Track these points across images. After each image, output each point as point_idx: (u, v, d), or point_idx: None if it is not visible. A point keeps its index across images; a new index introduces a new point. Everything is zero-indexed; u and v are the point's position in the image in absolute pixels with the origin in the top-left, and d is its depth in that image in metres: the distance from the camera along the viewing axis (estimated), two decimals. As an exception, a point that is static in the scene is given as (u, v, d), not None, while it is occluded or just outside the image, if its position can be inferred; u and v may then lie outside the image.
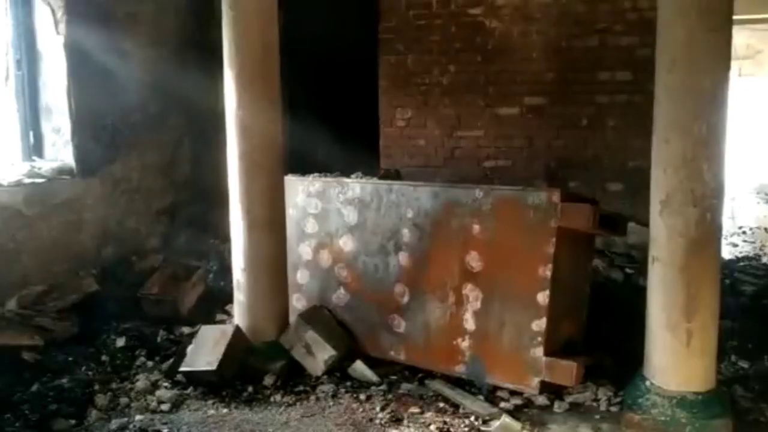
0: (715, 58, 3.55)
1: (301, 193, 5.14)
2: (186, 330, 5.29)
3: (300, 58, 7.16)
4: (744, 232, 9.31)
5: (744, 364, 4.59)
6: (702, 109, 3.57)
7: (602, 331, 4.79)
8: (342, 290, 4.91)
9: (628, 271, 6.25)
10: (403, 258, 4.62)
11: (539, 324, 4.04)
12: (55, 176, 5.85)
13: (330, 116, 7.75)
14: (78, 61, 5.88)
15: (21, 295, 5.34)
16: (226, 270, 5.67)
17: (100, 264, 6.12)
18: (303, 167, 5.46)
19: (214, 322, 5.43)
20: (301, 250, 5.13)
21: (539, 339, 4.04)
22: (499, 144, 6.93)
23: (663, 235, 3.73)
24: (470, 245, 4.32)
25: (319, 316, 4.82)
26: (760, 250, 8.37)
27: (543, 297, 4.03)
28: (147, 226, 6.78)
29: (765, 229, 9.77)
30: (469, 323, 4.31)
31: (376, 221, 4.75)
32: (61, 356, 4.86)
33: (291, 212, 5.10)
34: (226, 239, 5.79)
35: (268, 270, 4.66)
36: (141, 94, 6.56)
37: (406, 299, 4.59)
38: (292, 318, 4.94)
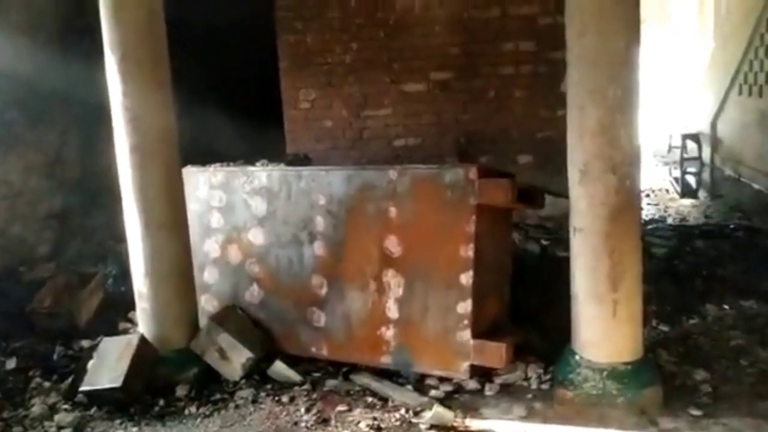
0: (626, 20, 3.46)
1: (203, 185, 4.78)
2: (86, 343, 4.84)
3: (193, 38, 6.72)
4: (647, 195, 9.58)
5: (665, 328, 4.62)
6: (616, 73, 3.48)
7: (524, 306, 4.70)
8: (255, 287, 4.60)
9: (543, 242, 6.22)
10: (318, 248, 4.35)
11: (464, 306, 3.88)
12: None
13: (231, 101, 7.35)
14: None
15: None
16: (126, 273, 5.21)
17: (-19, 278, 5.54)
18: (204, 157, 5.08)
19: (117, 333, 4.99)
20: (207, 248, 4.77)
21: (465, 322, 3.88)
22: (407, 122, 6.74)
23: (583, 205, 3.64)
24: (388, 229, 4.11)
25: (231, 317, 4.49)
26: (665, 212, 8.62)
27: (466, 278, 3.87)
28: (34, 233, 6.21)
29: (666, 190, 10.11)
30: (392, 311, 4.11)
31: (287, 211, 4.45)
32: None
33: (193, 207, 4.72)
34: (123, 240, 5.34)
35: (172, 272, 4.29)
36: (15, 87, 5.94)
37: (324, 291, 4.34)
38: (203, 322, 4.60)
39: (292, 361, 4.39)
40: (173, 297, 4.32)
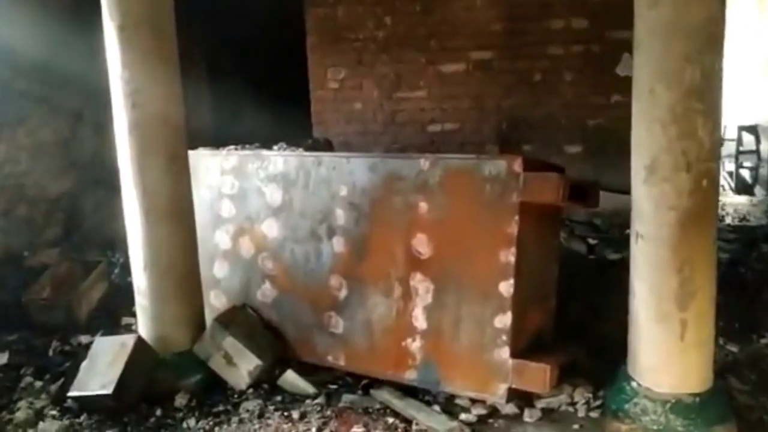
0: (711, -14, 2.87)
1: (214, 170, 4.31)
2: (84, 339, 4.45)
3: (212, 10, 6.26)
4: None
5: (733, 348, 4.02)
6: (696, 51, 2.89)
7: (568, 316, 4.16)
8: (268, 285, 4.13)
9: (591, 242, 5.65)
10: (338, 244, 3.86)
11: (503, 320, 3.35)
12: None
13: (254, 79, 6.89)
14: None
15: None
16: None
17: (-17, 262, 5.18)
18: (225, 140, 4.63)
19: (120, 328, 4.59)
20: (217, 238, 4.32)
21: (504, 338, 3.35)
22: (444, 105, 6.19)
23: (649, 207, 3.07)
24: (417, 227, 3.59)
25: (240, 317, 4.03)
26: (722, 209, 7.91)
27: (506, 287, 3.33)
28: (42, 216, 5.83)
29: (722, 186, 9.37)
30: (420, 320, 3.60)
31: (304, 201, 3.96)
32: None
33: (203, 194, 4.27)
34: None
35: (174, 266, 3.84)
36: (26, 57, 5.54)
37: (343, 294, 3.85)
38: (211, 320, 4.16)
39: (306, 370, 3.93)
40: (175, 294, 3.88)
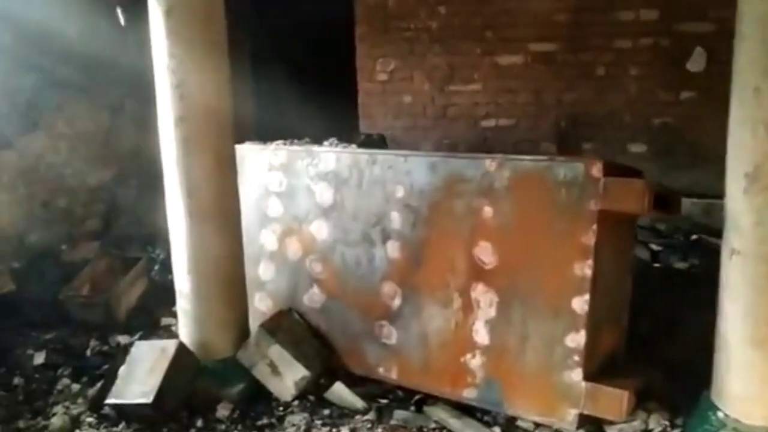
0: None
1: (261, 166, 4.07)
2: (123, 339, 4.27)
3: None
4: None
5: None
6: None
7: (639, 333, 3.83)
8: (316, 289, 3.89)
9: (654, 248, 5.28)
10: (392, 249, 3.59)
11: (576, 338, 3.05)
12: (-42, 151, 4.72)
13: (299, 70, 6.65)
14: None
15: None
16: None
17: (24, 255, 5.04)
18: (268, 133, 4.39)
19: (159, 329, 4.40)
20: (263, 239, 4.08)
21: (576, 358, 3.05)
22: (500, 100, 5.86)
23: (748, 221, 2.74)
24: (480, 234, 3.30)
25: (286, 324, 3.80)
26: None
27: (580, 303, 3.03)
28: (83, 207, 5.68)
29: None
30: (481, 335, 3.32)
31: (357, 202, 3.70)
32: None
33: (248, 191, 4.04)
34: None
35: (218, 269, 3.62)
36: (66, 44, 5.37)
37: (397, 302, 3.58)
38: (254, 325, 3.94)
39: (356, 382, 3.69)
40: (219, 297, 3.66)
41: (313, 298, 3.91)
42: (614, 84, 5.56)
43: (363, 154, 3.74)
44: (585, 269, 3.02)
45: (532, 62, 5.75)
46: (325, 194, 3.82)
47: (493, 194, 3.27)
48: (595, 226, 3.00)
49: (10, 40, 4.93)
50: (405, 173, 3.53)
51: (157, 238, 5.39)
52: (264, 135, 4.39)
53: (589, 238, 3.01)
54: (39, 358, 4.05)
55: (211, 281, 3.62)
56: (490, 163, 3.29)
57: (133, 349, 3.60)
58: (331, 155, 3.82)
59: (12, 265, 4.89)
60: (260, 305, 4.11)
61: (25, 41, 5.04)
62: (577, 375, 3.06)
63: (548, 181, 3.12)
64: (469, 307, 3.34)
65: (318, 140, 4.20)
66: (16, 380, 3.90)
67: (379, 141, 4.40)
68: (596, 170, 3.00)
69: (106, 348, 4.19)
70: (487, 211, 3.28)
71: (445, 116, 6.05)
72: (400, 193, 3.55)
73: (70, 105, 5.52)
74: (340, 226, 3.77)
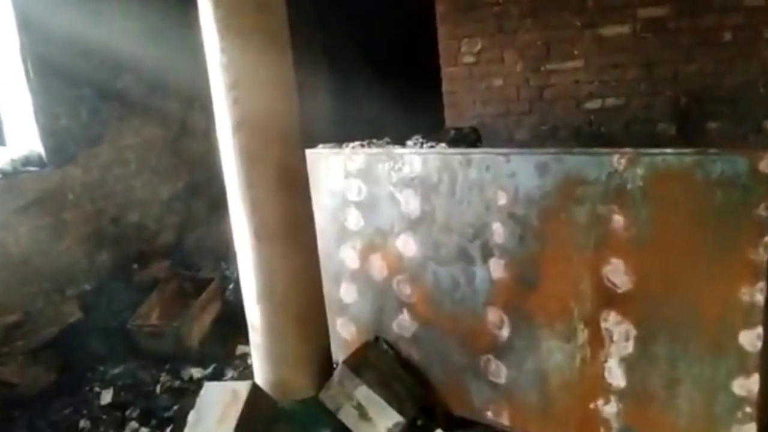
0: None
1: (337, 172, 3.54)
2: (196, 373, 3.85)
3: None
4: None
5: None
6: None
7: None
8: (405, 315, 3.33)
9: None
10: (496, 268, 2.98)
11: (746, 384, 2.36)
12: (19, 169, 4.42)
13: (375, 59, 6.08)
14: (30, 2, 4.37)
15: (-21, 335, 4.00)
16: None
17: (94, 276, 4.72)
18: (346, 134, 3.87)
19: (234, 359, 3.97)
20: (343, 255, 3.56)
21: (747, 410, 2.37)
22: (605, 77, 5.10)
23: None
24: (610, 249, 2.64)
25: (374, 358, 3.27)
26: None
27: (751, 337, 2.34)
28: (156, 220, 5.32)
29: None
30: (616, 376, 2.67)
31: (450, 212, 3.11)
32: (25, 423, 3.50)
33: (324, 201, 3.53)
34: None
35: (293, 297, 3.11)
36: (130, 46, 5.00)
37: (505, 333, 2.97)
38: (338, 354, 3.44)
39: (458, 424, 3.12)
40: (295, 329, 3.16)
41: (402, 324, 3.36)
42: (744, 51, 4.69)
43: (454, 155, 3.13)
44: (755, 294, 2.32)
45: (641, 31, 4.95)
46: (411, 203, 3.25)
47: (624, 199, 2.60)
48: (767, 239, 2.29)
49: (66, 51, 4.59)
50: (508, 176, 2.91)
51: (231, 253, 4.97)
52: (342, 136, 3.87)
53: (760, 254, 2.30)
54: (106, 397, 3.69)
55: (285, 311, 3.12)
56: (618, 160, 2.61)
57: (203, 392, 3.14)
58: (416, 157, 3.24)
59: (83, 287, 4.58)
60: (342, 331, 3.60)
61: (82, 51, 4.69)
62: (750, 430, 2.37)
63: (698, 180, 2.43)
64: (598, 341, 2.69)
65: (401, 138, 3.64)
66: (83, 422, 3.55)
67: (472, 136, 3.77)
68: (765, 165, 2.29)
69: (177, 383, 3.78)
70: (617, 220, 2.62)
71: (541, 99, 5.34)
72: (502, 200, 2.93)
73: (135, 113, 5.15)
74: (431, 240, 3.19)
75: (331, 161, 3.56)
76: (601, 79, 5.12)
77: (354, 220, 3.50)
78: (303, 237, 3.13)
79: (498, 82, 5.43)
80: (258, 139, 2.93)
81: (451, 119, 5.57)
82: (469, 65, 5.49)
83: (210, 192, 5.69)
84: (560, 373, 2.81)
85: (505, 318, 2.97)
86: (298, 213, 3.10)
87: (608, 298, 2.66)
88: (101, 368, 3.90)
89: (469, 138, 3.69)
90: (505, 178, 2.91)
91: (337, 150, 3.62)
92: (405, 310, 3.33)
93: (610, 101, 5.13)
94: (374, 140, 3.74)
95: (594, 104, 5.18)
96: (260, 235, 3.03)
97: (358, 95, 6.33)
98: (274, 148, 2.95)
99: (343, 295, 3.59)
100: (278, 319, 3.12)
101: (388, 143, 3.60)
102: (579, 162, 2.73)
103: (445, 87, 5.60)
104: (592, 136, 5.18)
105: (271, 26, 2.88)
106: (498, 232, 2.95)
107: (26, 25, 4.36)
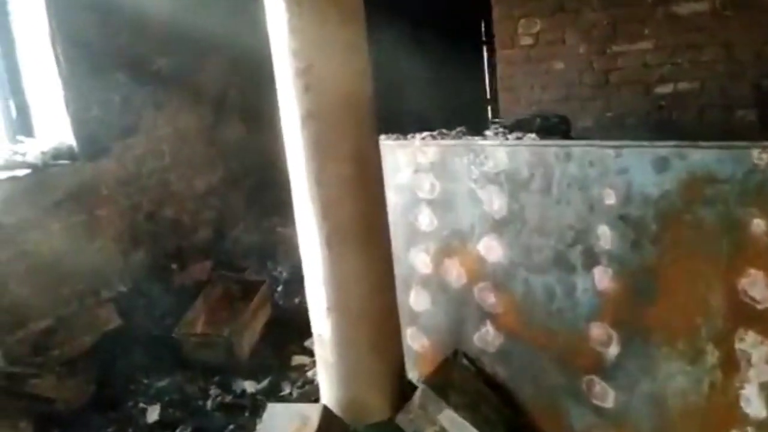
0: None
1: (405, 166, 3.18)
2: (249, 387, 3.52)
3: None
4: None
5: None
6: None
7: None
8: (489, 327, 2.98)
9: None
10: (602, 277, 2.62)
11: None
12: (49, 162, 4.09)
13: (420, 39, 5.69)
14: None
15: (10, 344, 3.69)
16: (300, 278, 3.85)
17: (128, 275, 4.40)
18: (389, 119, 3.49)
19: (290, 371, 3.63)
20: (413, 259, 3.21)
21: None
22: (678, 58, 4.71)
23: None
24: (748, 259, 2.27)
25: (456, 377, 2.92)
26: None
27: None
28: (191, 215, 4.99)
29: None
30: (754, 405, 2.31)
31: (544, 212, 2.74)
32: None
33: (391, 197, 3.16)
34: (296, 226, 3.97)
35: (370, 308, 2.77)
36: (161, 30, 4.65)
37: (613, 351, 2.62)
38: (410, 367, 3.10)
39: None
40: (370, 344, 2.82)
41: (485, 337, 3.00)
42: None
43: (550, 147, 2.76)
44: None
45: (720, 8, 4.55)
46: (496, 202, 2.89)
47: (766, 200, 2.22)
48: None
49: (96, 32, 4.24)
50: (618, 172, 2.53)
51: (277, 249, 4.64)
52: (389, 122, 3.49)
53: None
54: (153, 414, 3.36)
55: (360, 324, 2.78)
56: (759, 155, 2.23)
57: (266, 416, 2.81)
58: (502, 150, 2.87)
59: (118, 289, 4.27)
60: (413, 343, 3.26)
61: (113, 31, 4.34)
62: None
63: None
64: (732, 364, 2.33)
65: (477, 129, 3.27)
66: (127, 444, 3.23)
67: (561, 126, 3.39)
68: None
69: (229, 398, 3.44)
70: (758, 224, 2.24)
71: (607, 83, 4.95)
72: (610, 199, 2.56)
73: (170, 100, 4.81)
74: (521, 244, 2.83)
75: (398, 154, 3.19)
76: (673, 61, 4.72)
77: (426, 220, 3.14)
78: (380, 240, 2.78)
79: (559, 65, 5.04)
80: (332, 130, 2.57)
81: (506, 105, 5.20)
82: (526, 47, 5.11)
83: (248, 184, 5.36)
84: (683, 400, 2.45)
85: (614, 334, 2.60)
86: (375, 213, 2.75)
87: (745, 315, 2.29)
88: (145, 381, 3.57)
89: (558, 128, 3.32)
90: (614, 175, 2.54)
91: (403, 141, 3.26)
92: (488, 322, 2.98)
93: (683, 85, 4.73)
94: (443, 130, 3.38)
95: (665, 89, 4.79)
96: (331, 238, 2.68)
97: (400, 78, 5.95)
98: (349, 140, 2.60)
99: (414, 302, 3.25)
100: (352, 333, 2.78)
101: (463, 133, 3.24)
102: (708, 157, 2.35)
103: (500, 71, 5.22)
104: (662, 123, 4.80)
105: (347, 4, 2.51)
106: (605, 236, 2.59)
107: (55, 5, 4.01)
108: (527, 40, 5.09)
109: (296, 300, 4.05)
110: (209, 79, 5.12)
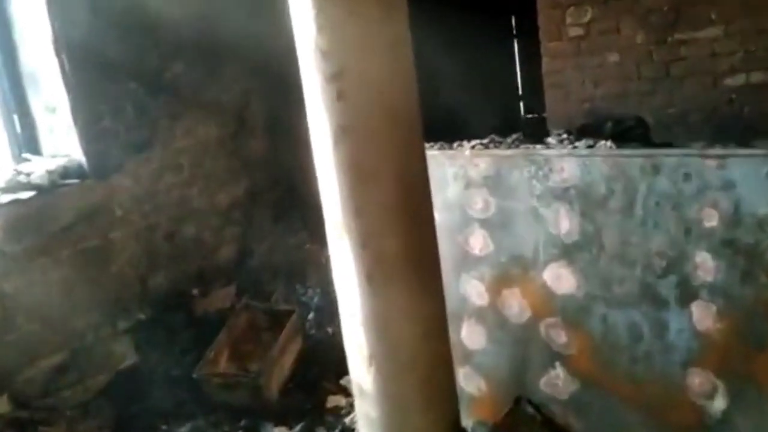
0: None
1: (453, 180, 2.75)
2: (279, 433, 3.10)
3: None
4: None
5: None
6: None
7: None
8: (560, 370, 2.53)
9: None
10: (703, 315, 2.16)
11: None
12: (57, 182, 3.73)
13: (455, 34, 5.24)
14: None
15: (18, 384, 3.34)
16: (333, 303, 3.44)
17: (146, 303, 4.03)
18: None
19: (325, 413, 3.21)
20: (464, 287, 2.78)
21: None
22: (752, 46, 4.18)
23: None
24: None
25: (523, 429, 2.47)
26: None
27: None
28: (214, 232, 4.60)
29: None
30: None
31: (626, 235, 2.29)
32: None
33: (437, 217, 2.71)
34: (327, 244, 3.56)
35: (421, 355, 2.32)
36: (175, 34, 4.26)
37: (718, 405, 2.15)
38: (464, 409, 2.66)
39: None
40: (422, 397, 2.36)
41: (555, 382, 2.55)
42: None
43: (632, 157, 2.30)
44: None
45: (801, -13, 4.03)
46: (564, 223, 2.44)
47: None
48: None
49: (104, 37, 3.87)
50: (721, 187, 2.07)
51: (307, 269, 4.23)
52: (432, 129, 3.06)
53: None
54: (172, 467, 2.97)
55: (407, 374, 2.33)
56: None
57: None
58: (571, 161, 2.43)
59: (137, 317, 3.90)
60: (467, 385, 2.83)
61: (124, 34, 3.96)
62: None
63: None
64: None
65: (533, 137, 2.82)
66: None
67: (637, 129, 2.92)
68: None
69: (257, 446, 3.04)
70: None
71: (668, 75, 4.45)
72: (712, 221, 2.10)
73: (187, 110, 4.42)
74: (598, 273, 2.38)
75: (444, 165, 2.76)
76: (746, 49, 4.20)
77: (479, 242, 2.71)
78: (432, 272, 2.33)
79: (613, 57, 4.55)
80: (371, 148, 2.13)
81: (553, 103, 4.73)
82: (576, 39, 4.63)
83: (273, 197, 4.96)
84: (814, 470, 1.99)
85: (719, 384, 2.14)
86: (426, 241, 2.30)
87: None
88: (164, 427, 3.19)
89: (634, 132, 2.84)
90: (716, 192, 2.08)
91: (451, 151, 2.83)
92: (558, 365, 2.53)
93: (758, 76, 4.22)
94: (494, 137, 2.94)
95: (736, 80, 4.27)
96: (374, 272, 2.23)
97: (433, 77, 5.51)
98: (392, 160, 2.15)
99: (466, 338, 2.81)
100: (399, 386, 2.33)
101: (519, 141, 2.79)
102: (844, 167, 1.87)
103: (545, 66, 4.75)
104: (732, 119, 4.29)
105: (385, -8, 2.08)
106: (706, 265, 2.12)
107: (57, 9, 3.65)
108: (577, 31, 4.60)
109: (329, 330, 3.65)
110: (229, 86, 4.71)
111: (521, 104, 7.19)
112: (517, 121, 6.74)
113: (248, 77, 4.83)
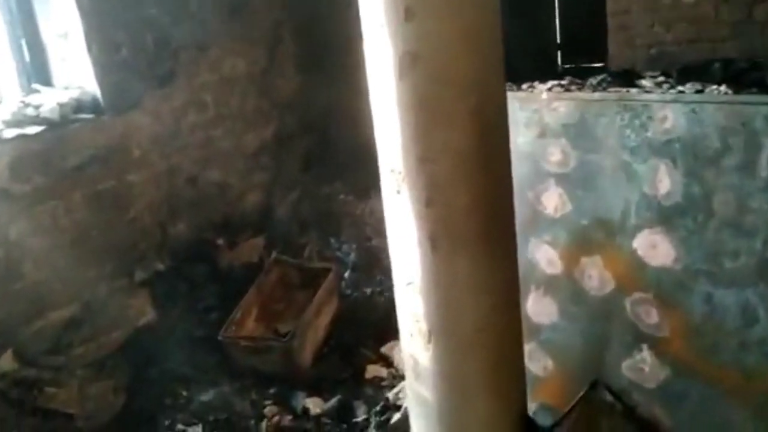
0: None
1: (525, 127, 2.36)
2: (313, 406, 2.79)
3: None
4: None
5: None
6: None
7: None
8: (647, 354, 2.17)
9: None
10: (841, 301, 1.77)
11: None
12: (69, 117, 3.37)
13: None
14: None
15: (25, 337, 3.05)
16: (372, 261, 3.10)
17: (166, 253, 3.71)
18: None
19: (364, 386, 2.89)
20: (533, 253, 2.41)
21: None
22: None
23: None
24: None
25: (606, 423, 2.12)
26: None
27: None
28: (240, 176, 4.25)
29: None
30: None
31: (745, 200, 1.90)
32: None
33: (503, 170, 2.33)
34: (364, 195, 3.22)
35: (491, 334, 1.97)
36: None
37: None
38: (528, 390, 2.32)
39: None
40: (487, 380, 2.03)
41: (640, 367, 2.19)
42: None
43: (757, 105, 1.88)
44: None
45: None
46: (664, 182, 2.05)
47: None
48: None
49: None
50: None
51: (342, 223, 3.87)
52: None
53: None
54: (193, 438, 2.67)
55: (471, 353, 1.98)
56: None
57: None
58: (676, 108, 2.02)
59: (156, 268, 3.58)
60: (532, 364, 2.47)
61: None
62: None
63: None
64: None
65: (631, 78, 2.40)
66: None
67: (752, 72, 2.48)
68: None
69: (288, 419, 2.73)
70: None
71: (749, 18, 3.94)
72: None
73: (213, 41, 4.02)
74: (703, 244, 1.99)
75: (516, 110, 2.36)
76: None
77: (554, 201, 2.33)
78: (506, 238, 1.96)
79: (689, -2, 4.04)
80: (445, 81, 1.73)
81: (617, 48, 4.23)
82: (648, -26, 4.11)
83: (304, 143, 4.58)
84: None
85: None
86: (501, 199, 1.92)
87: None
88: (184, 393, 2.88)
89: (749, 76, 2.40)
90: None
91: (524, 93, 2.42)
92: (646, 347, 2.16)
93: None
94: (575, 78, 2.51)
95: (830, 25, 3.77)
96: (438, 236, 1.86)
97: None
98: (469, 96, 1.75)
99: (533, 311, 2.45)
100: (462, 365, 1.99)
101: (606, 83, 2.37)
102: None
103: (611, 6, 4.24)
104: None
105: None
106: None
107: None
108: (649, -35, 4.10)
109: (367, 290, 3.29)
110: (259, 16, 4.29)
111: (558, 53, 6.64)
112: (554, 72, 6.23)
113: (280, 8, 4.39)
